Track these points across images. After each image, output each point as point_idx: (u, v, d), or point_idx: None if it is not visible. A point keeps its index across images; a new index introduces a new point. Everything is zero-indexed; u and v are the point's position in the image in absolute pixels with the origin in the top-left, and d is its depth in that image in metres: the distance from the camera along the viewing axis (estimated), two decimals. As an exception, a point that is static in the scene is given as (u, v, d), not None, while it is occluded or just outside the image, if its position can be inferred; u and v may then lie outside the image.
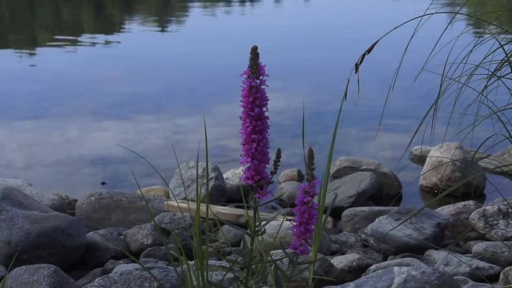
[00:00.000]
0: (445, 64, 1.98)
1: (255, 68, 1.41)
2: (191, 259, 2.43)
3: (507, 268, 2.49)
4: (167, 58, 9.26)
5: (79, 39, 11.75)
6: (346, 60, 8.10)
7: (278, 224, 2.95)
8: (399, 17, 2.29)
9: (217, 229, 3.27)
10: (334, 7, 17.79)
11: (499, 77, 1.92)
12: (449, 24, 2.00)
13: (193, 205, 3.51)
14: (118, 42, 11.18)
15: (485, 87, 1.93)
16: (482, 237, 3.13)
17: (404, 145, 4.72)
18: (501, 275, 2.49)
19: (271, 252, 2.55)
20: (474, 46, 1.99)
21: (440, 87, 1.95)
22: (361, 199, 3.91)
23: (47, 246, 2.73)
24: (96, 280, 2.20)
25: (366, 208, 3.51)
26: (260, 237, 2.45)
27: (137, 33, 12.31)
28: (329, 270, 2.49)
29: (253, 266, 1.61)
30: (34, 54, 10.16)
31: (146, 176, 4.32)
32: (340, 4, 18.42)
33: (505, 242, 2.87)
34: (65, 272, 2.45)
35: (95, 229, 3.36)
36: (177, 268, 2.20)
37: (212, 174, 3.95)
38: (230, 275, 2.16)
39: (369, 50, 1.99)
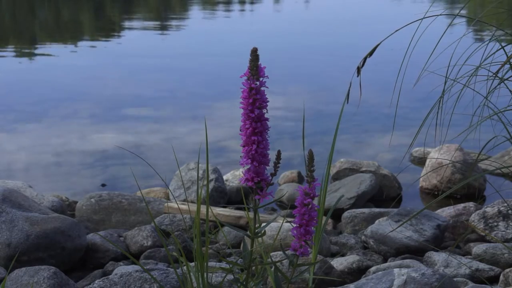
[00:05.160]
0: (448, 66, 1.98)
1: (255, 69, 1.41)
2: (191, 261, 2.43)
3: (507, 270, 2.49)
4: (167, 59, 9.26)
5: (79, 40, 11.75)
6: (347, 62, 8.11)
7: (278, 226, 2.95)
8: (400, 19, 2.29)
9: (217, 231, 3.27)
10: (334, 9, 17.79)
11: (502, 80, 1.92)
12: (449, 26, 2.00)
13: (193, 207, 3.51)
14: (118, 44, 11.18)
15: (493, 90, 1.93)
16: (482, 239, 3.13)
17: (404, 146, 4.72)
18: (501, 277, 2.49)
19: (271, 254, 2.55)
20: (479, 51, 1.99)
21: (444, 89, 1.95)
22: (361, 200, 3.91)
23: (47, 247, 2.73)
24: (96, 281, 2.20)
25: (366, 210, 3.51)
26: (260, 239, 2.45)
27: (137, 35, 12.31)
28: (329, 271, 2.48)
29: (253, 267, 1.61)
30: (33, 55, 10.17)
31: (146, 178, 4.32)
32: (340, 6, 18.42)
33: (505, 244, 2.87)
34: (65, 274, 2.45)
35: (95, 231, 3.35)
36: (177, 270, 2.20)
37: (212, 176, 3.95)
38: (230, 276, 2.16)
39: (370, 53, 1.99)
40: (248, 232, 1.53)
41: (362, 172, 4.26)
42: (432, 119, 1.97)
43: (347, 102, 2.05)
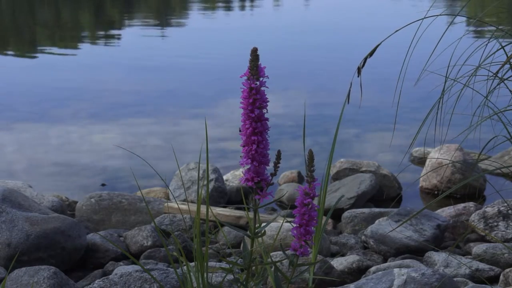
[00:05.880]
0: (448, 66, 1.98)
1: (255, 69, 1.41)
2: (191, 261, 2.43)
3: (507, 269, 2.49)
4: (167, 59, 9.26)
5: (79, 40, 11.75)
6: (347, 62, 8.10)
7: (278, 226, 2.95)
8: (400, 19, 2.29)
9: (217, 231, 3.27)
10: (334, 9, 17.80)
11: (502, 80, 1.92)
12: (449, 26, 2.01)
13: (193, 207, 3.51)
14: (118, 44, 11.18)
15: (493, 90, 1.93)
16: (482, 239, 3.13)
17: (404, 146, 4.72)
18: (501, 277, 2.49)
19: (271, 254, 2.55)
20: (479, 51, 1.99)
21: (444, 89, 1.95)
22: (361, 200, 3.91)
23: (47, 247, 2.73)
24: (96, 281, 2.19)
25: (366, 210, 3.51)
26: (260, 239, 2.45)
27: (137, 35, 12.31)
28: (329, 271, 2.48)
29: (253, 267, 1.61)
30: (33, 56, 10.17)
31: (146, 178, 4.32)
32: (340, 6, 18.42)
33: (505, 243, 2.87)
34: (65, 274, 2.45)
35: (95, 231, 3.35)
36: (177, 270, 2.20)
37: (212, 176, 3.95)
38: (230, 276, 2.16)
39: (371, 54, 1.99)
40: (248, 232, 1.53)
41: (362, 172, 4.26)
42: (432, 119, 1.97)
43: (348, 102, 2.05)
